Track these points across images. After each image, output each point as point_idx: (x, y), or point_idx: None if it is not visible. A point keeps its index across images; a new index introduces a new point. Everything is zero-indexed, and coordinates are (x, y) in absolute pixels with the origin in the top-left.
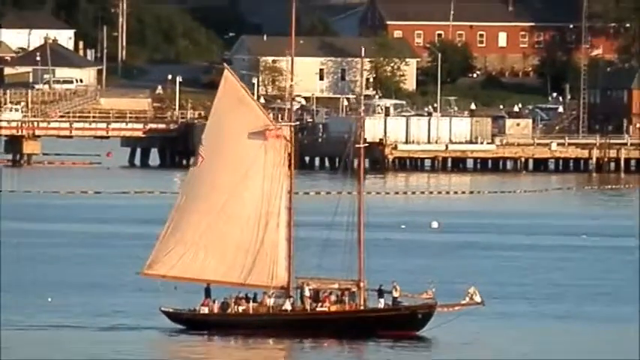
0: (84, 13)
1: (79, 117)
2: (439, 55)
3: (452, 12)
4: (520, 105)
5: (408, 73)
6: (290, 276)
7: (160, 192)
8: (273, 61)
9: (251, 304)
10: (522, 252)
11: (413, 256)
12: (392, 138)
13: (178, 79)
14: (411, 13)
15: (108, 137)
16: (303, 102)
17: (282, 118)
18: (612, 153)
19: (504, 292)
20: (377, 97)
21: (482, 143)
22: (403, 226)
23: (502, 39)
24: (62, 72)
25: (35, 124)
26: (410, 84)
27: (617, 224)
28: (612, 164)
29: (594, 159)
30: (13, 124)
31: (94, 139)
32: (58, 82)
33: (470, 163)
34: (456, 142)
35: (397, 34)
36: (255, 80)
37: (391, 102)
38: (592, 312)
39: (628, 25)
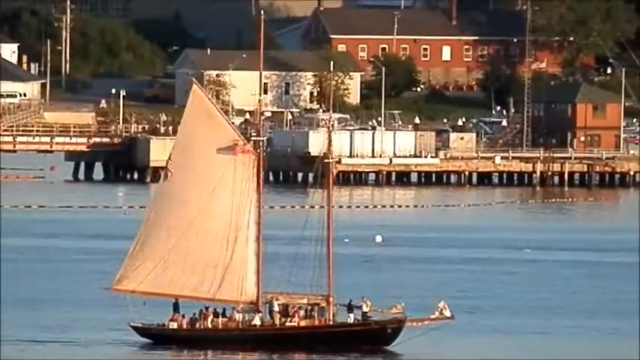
0: (27, 26)
1: (23, 131)
2: (383, 69)
3: (395, 26)
4: (464, 119)
5: (352, 87)
6: (259, 291)
7: (104, 206)
8: (217, 75)
9: (220, 319)
10: (466, 265)
11: (357, 270)
12: (336, 152)
13: (122, 92)
14: (354, 27)
15: (52, 151)
16: (248, 116)
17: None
18: (556, 167)
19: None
20: (321, 110)
21: (426, 157)
22: (347, 240)
23: (446, 53)
24: (5, 86)
25: None
26: (354, 98)
27: (561, 238)
28: (556, 178)
29: (538, 173)
30: None
31: (37, 154)
32: (1, 96)
33: (414, 177)
34: (400, 156)
35: (341, 47)
36: None
37: (335, 116)
38: (532, 325)
39: (572, 38)
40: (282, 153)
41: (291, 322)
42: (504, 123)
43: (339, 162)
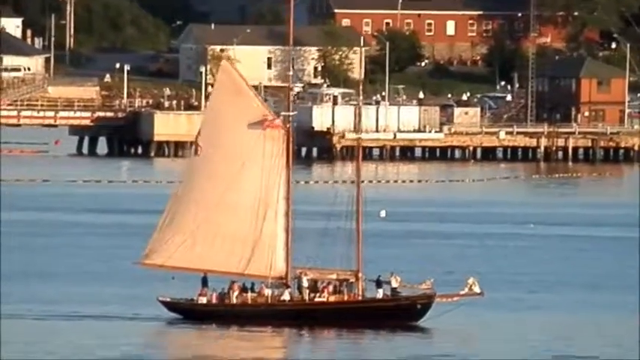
0: (31, 1)
1: (27, 105)
2: (387, 43)
3: (400, 0)
4: (468, 94)
5: (356, 62)
6: (288, 266)
7: (108, 181)
8: (221, 50)
9: (249, 294)
10: (469, 240)
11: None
12: (340, 127)
13: (126, 67)
14: (359, 1)
15: (56, 126)
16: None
17: None
18: (560, 142)
19: (456, 280)
20: (325, 85)
21: (430, 132)
22: None
23: (450, 27)
24: (10, 60)
25: None
26: (358, 72)
27: (565, 212)
28: (560, 153)
29: (542, 148)
30: None
31: (42, 128)
32: (5, 70)
33: (418, 152)
34: (404, 131)
35: (345, 22)
36: (202, 69)
37: (339, 91)
38: (539, 299)
39: (576, 13)
40: None
41: (320, 297)
42: (509, 98)
43: (343, 136)
